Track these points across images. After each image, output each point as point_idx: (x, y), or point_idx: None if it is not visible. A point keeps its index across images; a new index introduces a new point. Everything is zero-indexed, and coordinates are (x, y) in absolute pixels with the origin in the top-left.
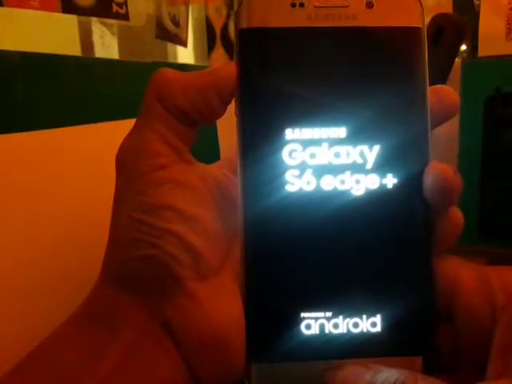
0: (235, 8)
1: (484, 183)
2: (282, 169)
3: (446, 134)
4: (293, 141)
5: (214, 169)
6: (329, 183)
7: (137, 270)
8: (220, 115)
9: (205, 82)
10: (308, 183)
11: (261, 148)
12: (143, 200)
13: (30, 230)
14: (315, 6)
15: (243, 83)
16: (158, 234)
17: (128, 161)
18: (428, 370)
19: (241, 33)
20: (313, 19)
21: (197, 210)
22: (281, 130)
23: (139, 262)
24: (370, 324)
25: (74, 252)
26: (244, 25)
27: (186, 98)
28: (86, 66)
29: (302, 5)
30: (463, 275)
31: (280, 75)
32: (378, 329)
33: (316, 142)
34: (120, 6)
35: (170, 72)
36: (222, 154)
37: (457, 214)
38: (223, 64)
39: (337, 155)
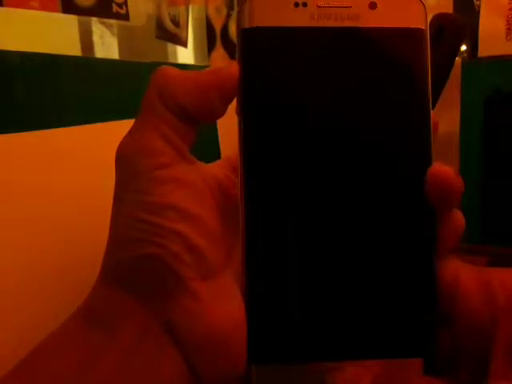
0: (235, 8)
1: (485, 183)
2: (283, 169)
3: (446, 134)
4: (295, 141)
5: (214, 168)
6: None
7: (139, 269)
8: (221, 115)
9: (207, 81)
10: (310, 183)
11: (262, 148)
12: (145, 199)
13: (29, 230)
14: (318, 6)
15: (245, 83)
16: (161, 233)
17: (128, 159)
18: (428, 372)
19: (243, 33)
20: (316, 19)
21: (199, 210)
22: (282, 130)
23: (141, 261)
24: (371, 326)
25: (75, 252)
26: (246, 24)
27: (188, 96)
28: (86, 66)
29: (304, 4)
30: (463, 276)
31: (282, 75)
32: (379, 330)
33: (318, 142)
34: (120, 6)
35: (171, 70)
36: (222, 154)
37: (458, 217)
38: (225, 63)
39: (339, 156)
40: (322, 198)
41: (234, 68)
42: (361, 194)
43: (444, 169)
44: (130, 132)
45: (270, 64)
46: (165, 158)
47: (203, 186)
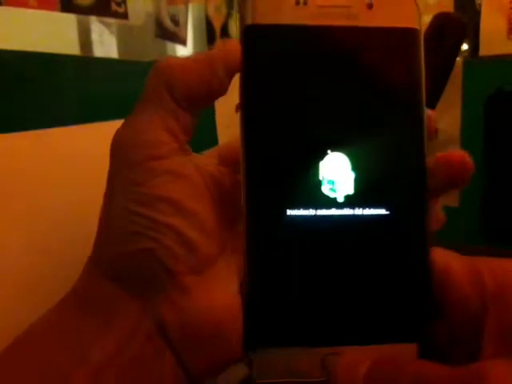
0: (235, 7)
1: (487, 183)
2: (285, 165)
3: (447, 134)
4: (296, 136)
5: (203, 159)
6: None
7: (133, 264)
8: (225, 90)
9: (213, 54)
10: (312, 177)
11: (264, 145)
12: (141, 191)
13: (29, 230)
14: (318, 6)
15: (248, 79)
16: (156, 227)
17: (126, 148)
18: (423, 357)
19: (245, 29)
20: (316, 18)
21: (194, 203)
22: (283, 126)
23: (136, 256)
24: (368, 311)
25: (74, 251)
26: (249, 21)
27: (195, 70)
28: (84, 65)
29: (305, 3)
30: (454, 265)
31: (284, 72)
32: (375, 316)
33: (317, 137)
34: (119, 4)
35: (174, 58)
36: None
37: (439, 209)
38: (225, 41)
39: (337, 149)
40: (321, 189)
41: (235, 42)
42: (357, 185)
43: (460, 152)
44: (128, 120)
45: (271, 60)
46: (164, 149)
47: (199, 179)
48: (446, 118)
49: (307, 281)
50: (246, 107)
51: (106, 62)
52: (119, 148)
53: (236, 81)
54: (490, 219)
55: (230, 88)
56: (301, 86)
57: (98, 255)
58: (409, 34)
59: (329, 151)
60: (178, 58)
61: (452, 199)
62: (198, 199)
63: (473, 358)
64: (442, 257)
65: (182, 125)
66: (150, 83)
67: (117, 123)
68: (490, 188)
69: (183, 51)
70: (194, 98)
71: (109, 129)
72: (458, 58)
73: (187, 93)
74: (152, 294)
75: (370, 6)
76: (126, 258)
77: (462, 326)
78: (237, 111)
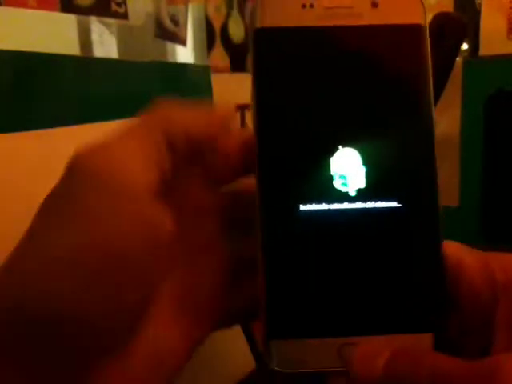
0: (235, 7)
1: (486, 182)
2: (301, 172)
3: (447, 134)
4: (308, 134)
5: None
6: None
7: (39, 332)
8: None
9: (216, 120)
10: (325, 173)
11: (277, 143)
12: (89, 234)
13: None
14: (325, 7)
15: (260, 80)
16: (88, 289)
17: (91, 174)
18: (439, 348)
19: (255, 32)
20: (322, 19)
21: (150, 262)
22: (296, 125)
23: (50, 316)
24: (384, 301)
25: None
26: (259, 24)
27: (198, 130)
28: (85, 65)
29: (311, 6)
30: (466, 259)
31: (294, 72)
32: (392, 307)
33: (329, 134)
34: (119, 5)
35: (176, 109)
36: None
37: None
38: (219, 107)
39: (348, 144)
40: (333, 184)
41: (230, 108)
42: (368, 179)
43: None
44: (104, 142)
45: (281, 61)
46: (136, 186)
47: (164, 226)
48: (445, 118)
49: (323, 273)
50: (259, 107)
51: (105, 62)
52: (82, 170)
53: (233, 82)
54: (490, 219)
55: (229, 89)
56: (311, 85)
57: None
58: (415, 30)
59: (340, 147)
60: (180, 111)
61: (452, 199)
62: (155, 255)
63: (485, 350)
64: (455, 250)
65: (163, 165)
66: (143, 121)
67: (117, 123)
68: (490, 188)
69: (183, 51)
70: (191, 150)
71: (109, 129)
72: (457, 58)
73: (187, 144)
74: (58, 377)
75: (374, 5)
76: (31, 324)
77: (473, 317)
78: (236, 112)
